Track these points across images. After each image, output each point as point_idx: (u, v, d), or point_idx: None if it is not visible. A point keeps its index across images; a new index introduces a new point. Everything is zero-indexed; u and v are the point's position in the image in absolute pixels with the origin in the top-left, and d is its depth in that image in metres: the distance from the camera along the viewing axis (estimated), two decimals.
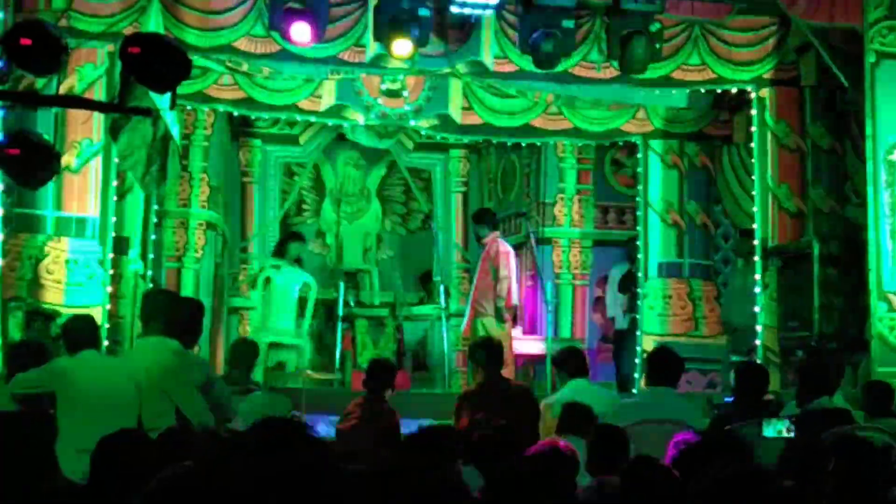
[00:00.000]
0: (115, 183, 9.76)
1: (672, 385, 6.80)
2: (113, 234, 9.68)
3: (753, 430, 6.03)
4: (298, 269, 11.78)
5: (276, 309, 11.54)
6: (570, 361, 7.69)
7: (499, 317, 11.12)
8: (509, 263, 11.30)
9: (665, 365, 6.84)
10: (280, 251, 12.01)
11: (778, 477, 3.42)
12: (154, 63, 4.87)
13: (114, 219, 9.72)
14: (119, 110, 6.04)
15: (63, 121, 9.45)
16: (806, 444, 5.71)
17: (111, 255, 9.61)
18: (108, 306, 9.47)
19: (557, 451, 5.04)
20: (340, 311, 11.24)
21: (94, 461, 4.05)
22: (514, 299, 11.44)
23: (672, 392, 6.90)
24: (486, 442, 5.36)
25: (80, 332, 6.70)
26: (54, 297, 9.27)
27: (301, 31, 9.34)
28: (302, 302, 11.61)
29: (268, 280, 11.58)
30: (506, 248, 11.45)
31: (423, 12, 9.50)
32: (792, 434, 5.96)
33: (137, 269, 9.68)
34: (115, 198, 9.78)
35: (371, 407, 7.51)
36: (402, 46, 9.54)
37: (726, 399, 8.73)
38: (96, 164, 9.60)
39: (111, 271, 9.61)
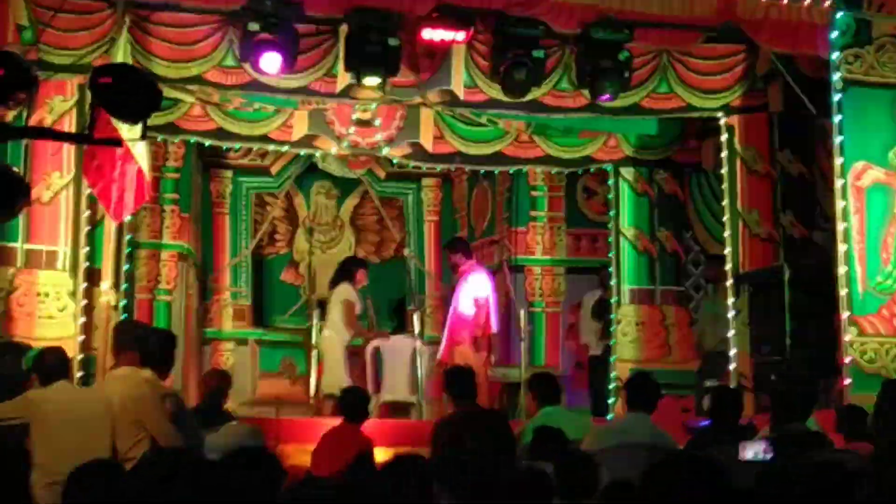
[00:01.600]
0: (85, 214, 9.72)
1: (648, 411, 6.82)
2: (84, 266, 9.63)
3: (729, 454, 6.04)
4: (407, 337, 11.79)
5: (389, 373, 11.53)
6: (543, 388, 7.71)
7: (475, 345, 11.13)
8: (488, 291, 11.34)
9: (643, 391, 6.87)
10: (347, 278, 11.73)
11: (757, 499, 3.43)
12: (124, 94, 4.86)
13: (85, 250, 9.67)
14: (89, 141, 6.03)
15: (32, 153, 9.41)
16: (783, 467, 5.73)
17: (83, 287, 9.56)
18: (81, 338, 9.41)
19: (533, 476, 5.04)
20: (314, 341, 11.20)
21: (66, 493, 4.01)
22: (494, 327, 11.47)
23: (647, 418, 6.93)
24: (462, 469, 5.34)
25: (53, 364, 6.67)
26: (25, 329, 9.20)
27: (270, 62, 9.36)
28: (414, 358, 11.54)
29: (377, 353, 11.59)
30: (483, 276, 11.49)
31: (393, 42, 9.54)
32: (769, 455, 5.98)
33: (110, 300, 9.62)
34: (86, 229, 9.74)
35: (346, 435, 7.49)
36: (372, 79, 9.58)
37: (701, 423, 8.76)
38: (67, 195, 9.56)
39: (83, 303, 9.55)
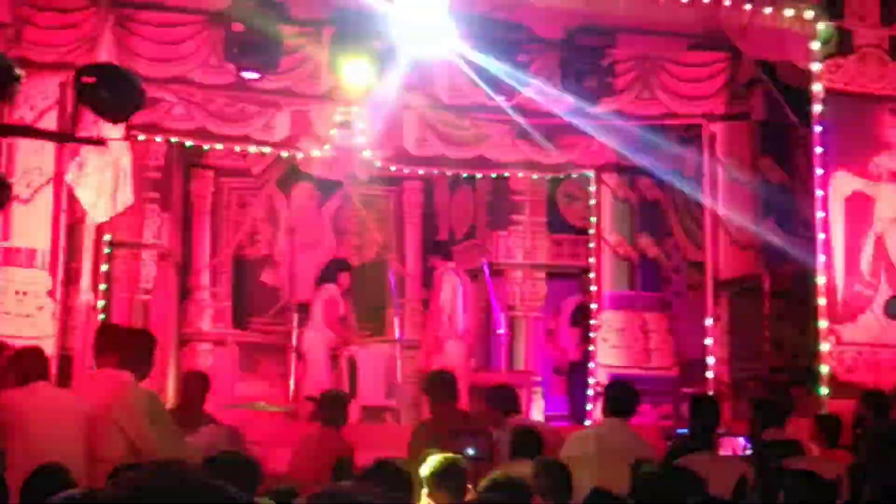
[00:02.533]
0: (64, 213, 9.65)
1: (627, 417, 6.83)
2: (63, 265, 9.56)
3: (707, 462, 6.06)
4: (384, 342, 11.82)
5: (364, 379, 11.56)
6: (500, 399, 7.72)
7: (437, 347, 11.17)
8: (456, 294, 11.32)
9: (622, 397, 6.88)
10: (331, 280, 11.66)
11: None
12: (108, 93, 4.84)
13: (64, 249, 9.60)
14: (73, 140, 5.99)
15: (11, 150, 9.35)
16: (760, 475, 5.76)
17: (61, 287, 9.50)
18: (58, 338, 9.34)
19: (513, 483, 5.04)
20: (294, 342, 11.18)
21: (22, 499, 3.98)
22: (458, 328, 11.48)
23: (626, 424, 6.94)
24: (443, 474, 5.34)
25: (30, 364, 6.60)
26: (2, 328, 9.12)
27: (251, 75, 9.47)
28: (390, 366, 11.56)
29: (352, 358, 11.61)
30: (452, 279, 11.49)
31: (377, 45, 9.53)
32: (748, 452, 6.06)
33: (89, 300, 9.57)
34: (64, 228, 9.67)
35: (325, 440, 7.46)
36: (356, 74, 9.56)
37: (679, 431, 8.78)
38: (46, 193, 9.49)
39: (62, 303, 9.49)
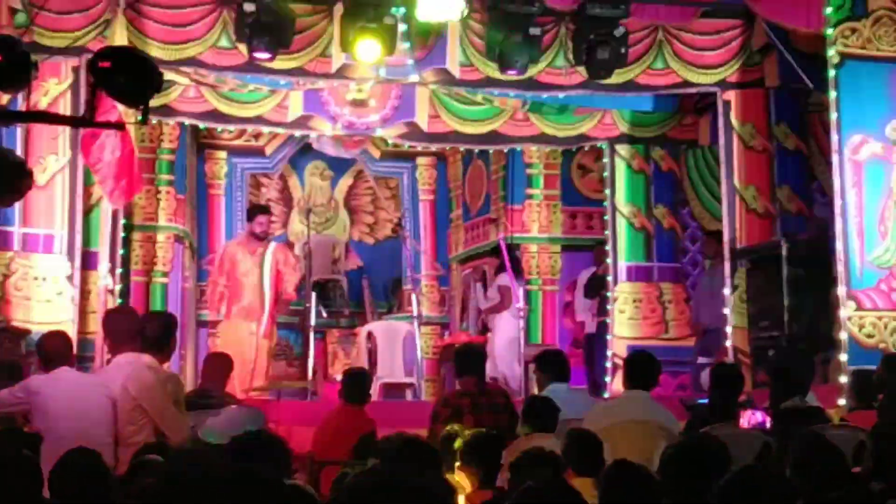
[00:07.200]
0: (80, 198, 9.67)
1: (649, 388, 6.84)
2: (80, 250, 9.59)
3: (728, 431, 6.06)
4: (402, 320, 11.86)
5: (382, 353, 11.63)
6: (552, 364, 7.71)
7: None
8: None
9: (643, 368, 6.88)
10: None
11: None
12: (126, 77, 4.84)
13: (81, 233, 9.62)
14: (91, 125, 6.00)
15: (27, 136, 9.36)
16: (782, 443, 5.76)
17: (79, 271, 9.52)
18: (78, 323, 9.38)
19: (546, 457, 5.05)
20: (313, 322, 11.20)
21: (52, 483, 3.98)
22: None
23: (648, 395, 6.94)
24: (468, 448, 5.36)
25: (55, 348, 6.65)
26: (23, 314, 9.16)
27: (263, 56, 9.46)
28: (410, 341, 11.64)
29: (370, 334, 11.66)
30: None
31: (389, 21, 9.52)
32: (768, 424, 6.06)
33: (108, 284, 9.60)
34: (81, 213, 9.69)
35: (348, 417, 7.50)
36: (369, 52, 9.53)
37: (699, 401, 8.77)
38: (62, 178, 9.51)
39: (80, 287, 9.52)
